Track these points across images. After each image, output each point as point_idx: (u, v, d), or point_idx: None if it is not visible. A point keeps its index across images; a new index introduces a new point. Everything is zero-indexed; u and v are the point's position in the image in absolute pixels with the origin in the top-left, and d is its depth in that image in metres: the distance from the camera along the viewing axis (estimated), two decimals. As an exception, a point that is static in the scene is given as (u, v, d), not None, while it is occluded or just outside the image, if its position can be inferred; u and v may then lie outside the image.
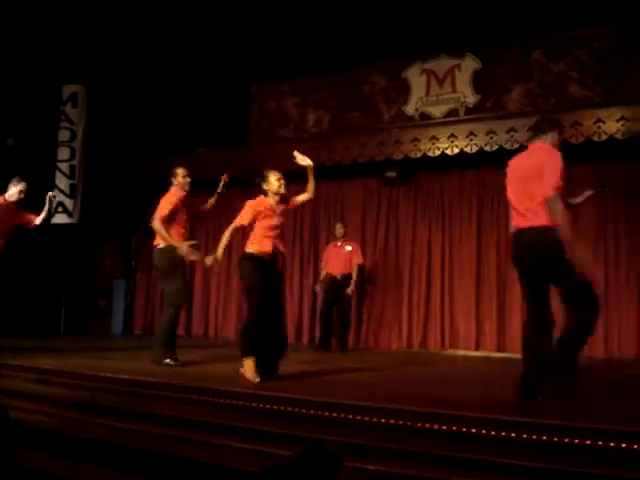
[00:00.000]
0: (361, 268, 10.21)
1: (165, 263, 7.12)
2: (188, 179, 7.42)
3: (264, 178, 6.17)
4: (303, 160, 6.30)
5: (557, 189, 4.68)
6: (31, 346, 8.52)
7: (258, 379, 5.71)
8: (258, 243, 6.02)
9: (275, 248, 6.06)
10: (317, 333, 10.32)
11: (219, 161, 11.45)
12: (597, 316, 4.96)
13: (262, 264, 5.98)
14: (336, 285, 9.95)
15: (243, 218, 6.05)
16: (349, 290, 9.88)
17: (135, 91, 12.01)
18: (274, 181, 6.14)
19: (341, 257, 10.01)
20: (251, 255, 6.01)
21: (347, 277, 9.97)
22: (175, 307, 7.18)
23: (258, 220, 6.03)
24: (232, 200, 12.22)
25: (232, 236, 6.12)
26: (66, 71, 11.79)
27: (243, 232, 6.53)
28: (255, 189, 6.25)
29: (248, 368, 5.78)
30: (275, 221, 6.08)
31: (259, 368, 5.82)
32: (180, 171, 7.41)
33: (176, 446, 4.29)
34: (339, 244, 10.11)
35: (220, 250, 5.98)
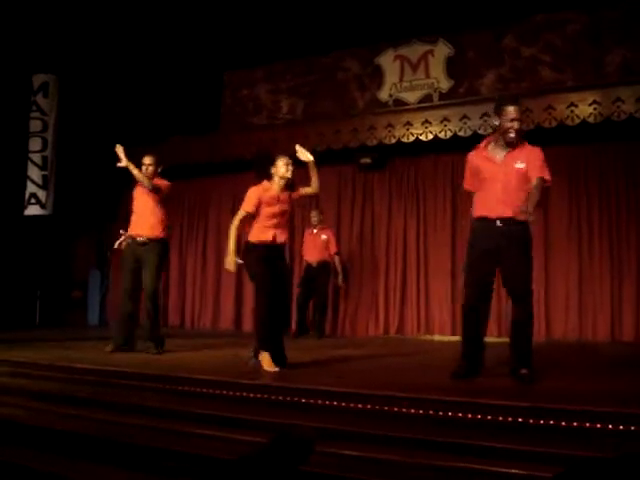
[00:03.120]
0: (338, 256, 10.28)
1: None
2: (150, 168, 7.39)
3: (272, 162, 6.01)
4: (304, 155, 6.12)
5: None
6: (5, 338, 8.44)
7: (276, 369, 5.62)
8: (257, 232, 5.89)
9: (274, 238, 5.90)
10: (294, 320, 10.31)
11: (193, 149, 11.43)
12: None
13: (264, 253, 5.84)
14: (313, 272, 9.97)
15: (248, 205, 5.87)
16: (340, 281, 10.17)
17: (107, 81, 11.89)
18: (282, 165, 5.96)
19: (317, 245, 10.04)
20: (252, 245, 5.88)
21: (323, 264, 10.00)
22: None
23: (261, 208, 5.88)
24: (207, 188, 12.26)
25: (240, 229, 5.92)
26: (36, 60, 11.64)
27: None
28: (259, 172, 6.08)
29: (265, 360, 5.66)
30: (276, 209, 5.91)
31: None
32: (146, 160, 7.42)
33: (151, 436, 4.27)
34: (315, 232, 10.12)
35: (232, 247, 5.79)
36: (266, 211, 5.88)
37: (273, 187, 5.97)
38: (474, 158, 5.31)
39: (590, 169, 9.45)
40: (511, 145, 5.12)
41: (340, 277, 10.14)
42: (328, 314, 10.47)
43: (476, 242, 5.24)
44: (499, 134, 5.16)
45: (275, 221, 5.92)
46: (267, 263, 5.83)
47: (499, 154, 5.16)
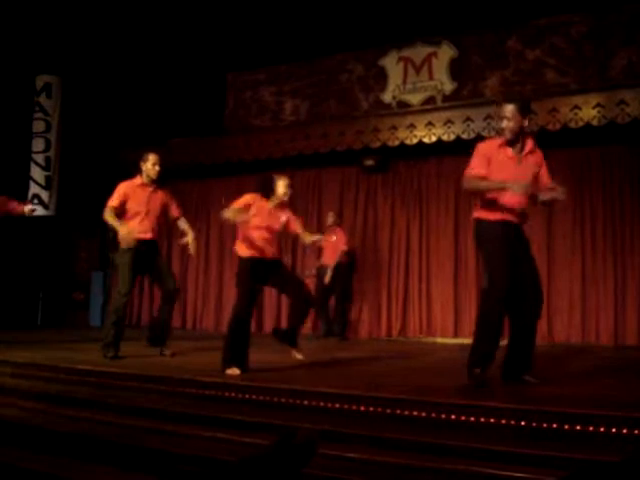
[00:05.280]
0: (344, 254, 10.28)
1: None
2: (157, 167, 7.10)
3: (273, 180, 5.98)
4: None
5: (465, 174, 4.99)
6: (6, 339, 8.43)
7: (238, 371, 5.59)
8: (246, 243, 5.88)
9: (262, 250, 5.85)
10: (320, 323, 10.52)
11: (196, 150, 11.44)
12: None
13: (254, 265, 5.83)
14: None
15: (238, 203, 5.84)
16: (327, 278, 10.02)
17: (111, 82, 11.90)
18: (282, 186, 5.95)
19: (330, 247, 10.04)
20: (243, 258, 5.88)
21: (336, 266, 10.04)
22: None
23: (251, 215, 5.80)
24: (210, 190, 12.26)
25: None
26: (39, 61, 11.65)
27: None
28: (260, 186, 6.06)
29: (231, 373, 5.61)
30: (264, 222, 5.86)
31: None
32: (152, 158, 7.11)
33: (152, 437, 4.25)
34: (329, 234, 10.09)
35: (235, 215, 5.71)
36: (255, 220, 5.81)
37: (267, 201, 5.96)
38: (494, 152, 4.99)
39: (594, 172, 9.43)
40: (515, 144, 5.01)
41: (329, 274, 10.09)
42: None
43: (500, 247, 4.89)
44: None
45: (260, 233, 5.88)
46: (256, 277, 5.86)
47: (517, 155, 5.00)
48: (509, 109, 4.95)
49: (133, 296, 12.78)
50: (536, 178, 5.02)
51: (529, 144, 5.04)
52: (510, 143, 4.99)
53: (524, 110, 4.96)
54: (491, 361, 4.93)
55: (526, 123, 4.97)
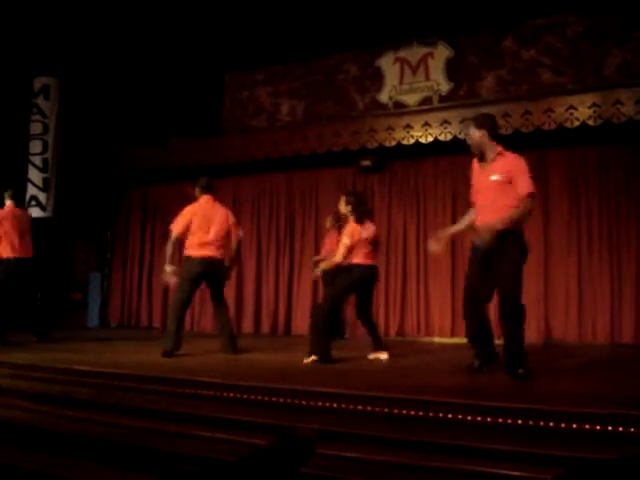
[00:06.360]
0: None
1: None
2: None
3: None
4: None
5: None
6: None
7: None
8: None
9: None
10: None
11: (193, 151, 11.43)
12: None
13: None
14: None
15: None
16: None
17: (109, 83, 11.89)
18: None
19: (327, 249, 10.02)
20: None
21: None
22: None
23: None
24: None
25: None
26: (38, 62, 11.64)
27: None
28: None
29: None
30: None
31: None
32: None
33: (152, 438, 4.27)
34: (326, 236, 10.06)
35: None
36: None
37: None
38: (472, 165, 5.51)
39: (590, 171, 9.45)
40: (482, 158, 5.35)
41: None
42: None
43: (473, 251, 5.48)
44: None
45: None
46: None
47: (482, 166, 5.37)
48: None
49: (132, 298, 12.83)
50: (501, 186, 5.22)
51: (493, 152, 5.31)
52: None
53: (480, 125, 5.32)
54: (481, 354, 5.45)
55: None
